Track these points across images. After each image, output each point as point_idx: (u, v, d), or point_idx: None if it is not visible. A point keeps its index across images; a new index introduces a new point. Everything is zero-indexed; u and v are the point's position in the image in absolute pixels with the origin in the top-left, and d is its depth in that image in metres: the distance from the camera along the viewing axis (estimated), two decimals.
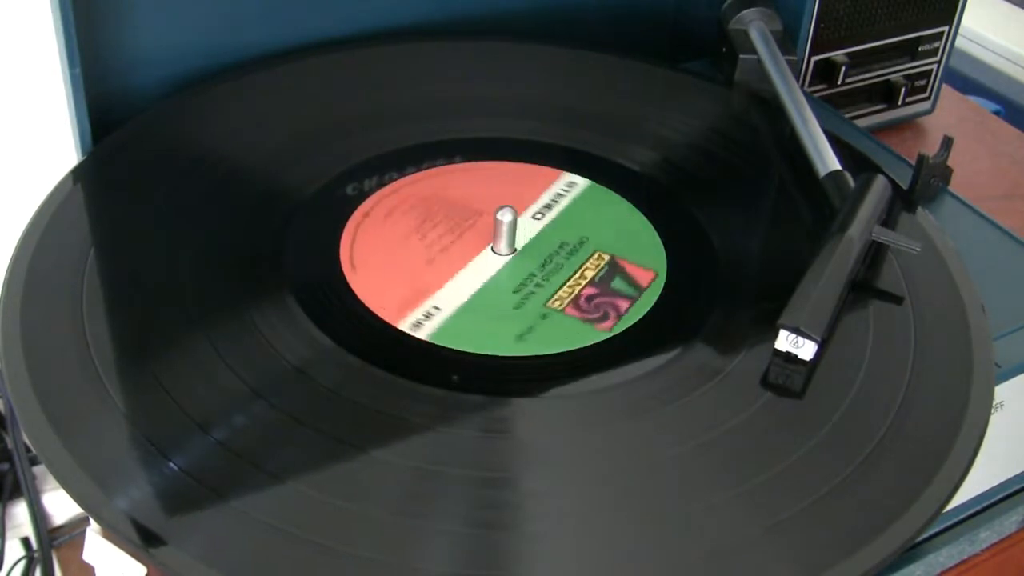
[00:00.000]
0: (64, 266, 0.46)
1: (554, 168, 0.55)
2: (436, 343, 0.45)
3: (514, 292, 0.48)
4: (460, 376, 0.43)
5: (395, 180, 0.54)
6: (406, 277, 0.48)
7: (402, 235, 0.51)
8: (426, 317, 0.46)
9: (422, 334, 0.45)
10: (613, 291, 0.48)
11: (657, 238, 0.51)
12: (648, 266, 0.49)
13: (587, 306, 0.47)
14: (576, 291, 0.48)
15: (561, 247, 0.50)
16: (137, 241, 0.49)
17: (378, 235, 0.50)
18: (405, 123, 0.57)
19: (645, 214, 0.53)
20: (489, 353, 0.45)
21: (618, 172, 0.55)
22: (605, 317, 0.47)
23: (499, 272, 0.49)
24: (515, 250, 0.50)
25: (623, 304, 0.47)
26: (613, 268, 0.49)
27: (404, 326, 0.46)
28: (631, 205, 0.53)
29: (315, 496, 0.38)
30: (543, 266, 0.49)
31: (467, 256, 0.50)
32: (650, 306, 0.47)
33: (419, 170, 0.54)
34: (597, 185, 0.54)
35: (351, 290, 0.47)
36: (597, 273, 0.49)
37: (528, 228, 0.51)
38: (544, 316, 0.47)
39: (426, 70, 0.61)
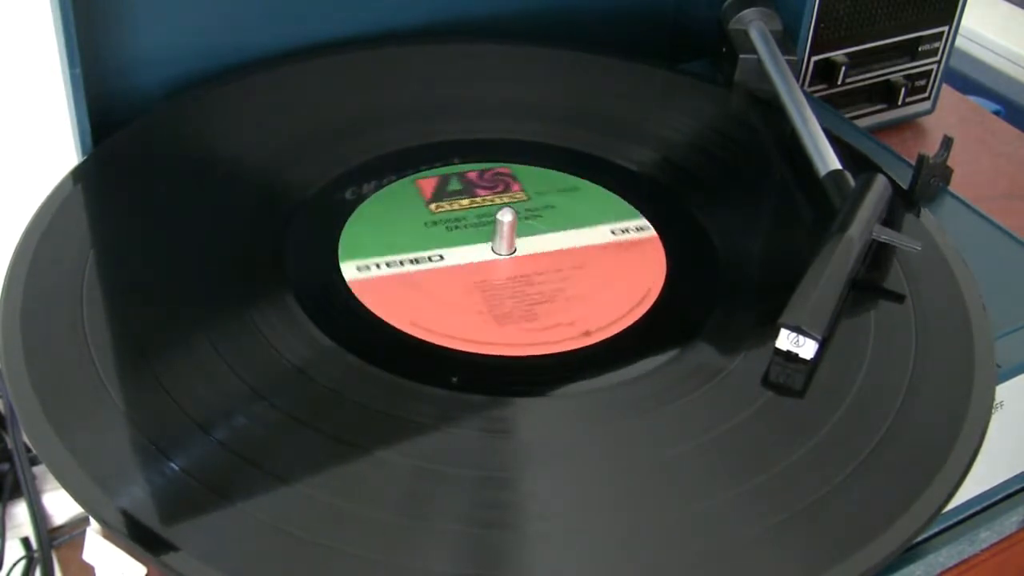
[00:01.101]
0: (64, 266, 0.46)
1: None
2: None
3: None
4: (460, 376, 0.43)
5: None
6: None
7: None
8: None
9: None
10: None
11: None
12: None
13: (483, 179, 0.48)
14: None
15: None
16: (137, 241, 0.49)
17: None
18: (405, 123, 0.57)
19: (649, 218, 0.52)
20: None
21: (618, 172, 0.55)
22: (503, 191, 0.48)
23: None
24: (515, 250, 0.50)
25: (515, 185, 0.48)
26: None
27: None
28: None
29: (315, 496, 0.38)
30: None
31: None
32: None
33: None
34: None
35: (351, 290, 0.47)
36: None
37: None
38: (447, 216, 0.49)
39: (426, 71, 0.61)
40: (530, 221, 0.51)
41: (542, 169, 0.54)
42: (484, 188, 0.52)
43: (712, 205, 0.54)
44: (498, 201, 0.51)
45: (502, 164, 0.53)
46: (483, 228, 0.50)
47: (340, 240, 0.48)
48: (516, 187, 0.51)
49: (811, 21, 0.65)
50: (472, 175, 0.51)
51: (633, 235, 0.51)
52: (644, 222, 0.51)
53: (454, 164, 0.51)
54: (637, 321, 0.47)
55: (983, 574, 0.53)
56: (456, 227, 0.50)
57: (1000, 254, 0.54)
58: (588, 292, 0.48)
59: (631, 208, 0.52)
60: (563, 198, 0.53)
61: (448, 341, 0.45)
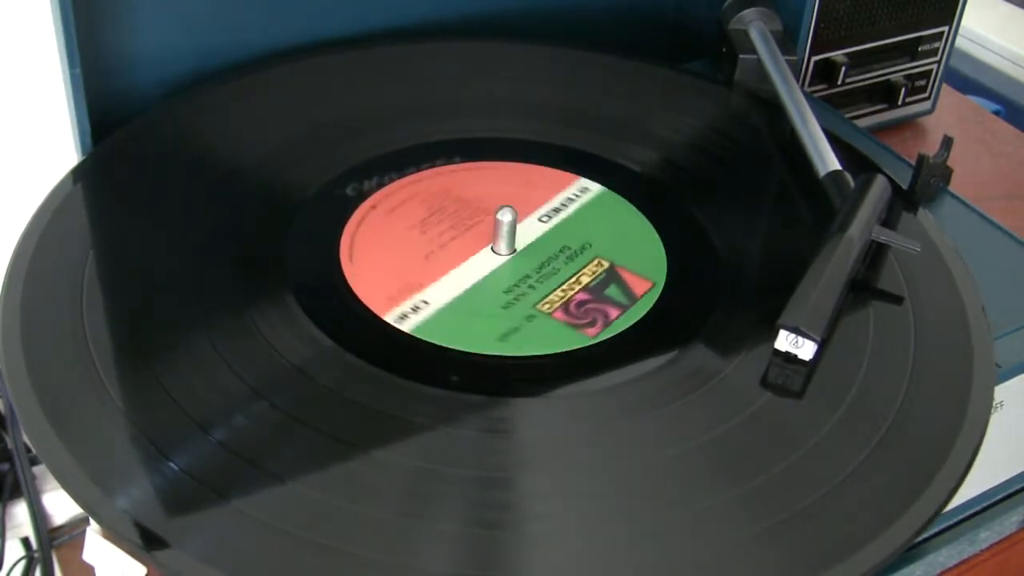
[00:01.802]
0: (64, 266, 0.46)
1: (569, 172, 0.55)
2: (418, 336, 0.45)
3: (505, 292, 0.48)
4: (460, 376, 0.43)
5: (404, 177, 0.54)
6: (400, 270, 0.48)
7: (404, 229, 0.51)
8: (413, 311, 0.46)
9: (406, 327, 0.45)
10: (606, 298, 0.48)
11: (661, 247, 0.51)
12: (647, 276, 0.49)
13: (576, 311, 0.47)
14: (568, 296, 0.48)
15: (562, 251, 0.50)
16: (137, 241, 0.49)
17: (381, 228, 0.51)
18: (405, 123, 0.57)
19: (649, 218, 0.52)
20: (468, 350, 0.45)
21: (618, 172, 0.55)
22: (592, 324, 0.46)
23: (494, 271, 0.49)
24: (515, 251, 0.50)
25: (613, 312, 0.47)
26: (610, 276, 0.49)
27: (390, 318, 0.46)
28: (640, 213, 0.53)
29: (315, 496, 0.38)
30: (540, 268, 0.49)
31: (465, 254, 0.50)
32: (648, 309, 0.47)
33: (431, 167, 0.54)
34: (609, 191, 0.54)
35: (351, 290, 0.47)
36: (593, 279, 0.48)
37: (533, 230, 0.51)
38: (530, 318, 0.46)
39: (426, 70, 0.61)
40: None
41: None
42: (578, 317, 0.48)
43: (712, 205, 0.54)
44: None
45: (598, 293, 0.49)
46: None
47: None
48: (614, 313, 0.47)
49: (811, 21, 0.65)
50: (558, 315, 0.46)
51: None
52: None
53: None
54: (637, 321, 0.47)
55: (983, 574, 0.53)
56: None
57: (1000, 254, 0.54)
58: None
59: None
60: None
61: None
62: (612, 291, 0.48)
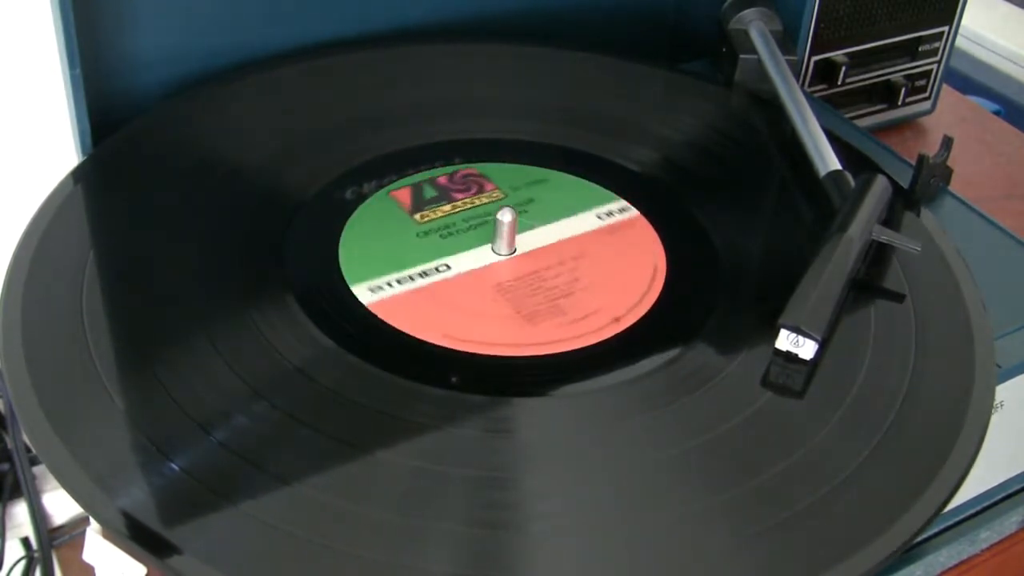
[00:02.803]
0: (64, 266, 0.46)
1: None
2: (371, 310, 0.46)
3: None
4: (460, 376, 0.43)
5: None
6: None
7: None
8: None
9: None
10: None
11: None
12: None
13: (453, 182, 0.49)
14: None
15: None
16: (137, 242, 0.49)
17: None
18: (405, 124, 0.57)
19: (650, 219, 0.52)
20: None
21: (618, 172, 0.55)
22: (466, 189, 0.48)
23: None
24: (515, 251, 0.50)
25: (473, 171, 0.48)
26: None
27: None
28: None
29: (315, 496, 0.38)
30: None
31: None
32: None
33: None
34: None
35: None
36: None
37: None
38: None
39: (426, 71, 0.61)
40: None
41: (508, 165, 0.55)
42: (459, 191, 0.52)
43: (712, 205, 0.54)
44: (478, 202, 0.52)
45: (466, 165, 0.53)
46: (476, 231, 0.50)
47: (341, 261, 0.48)
48: (490, 186, 0.51)
49: (811, 21, 0.65)
50: (443, 180, 0.51)
51: (618, 217, 0.52)
52: (624, 203, 0.52)
53: (422, 171, 0.52)
54: (637, 321, 0.47)
55: (983, 574, 0.53)
56: (449, 234, 0.50)
57: (1000, 254, 0.54)
58: (599, 279, 0.48)
59: (607, 192, 0.53)
60: (539, 190, 0.53)
61: (487, 348, 0.45)
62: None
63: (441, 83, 0.60)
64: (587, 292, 0.48)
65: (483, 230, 0.50)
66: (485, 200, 0.52)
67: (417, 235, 0.50)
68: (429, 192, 0.52)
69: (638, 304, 0.47)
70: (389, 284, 0.47)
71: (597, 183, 0.54)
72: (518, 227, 0.49)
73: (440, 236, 0.50)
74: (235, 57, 0.60)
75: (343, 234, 0.49)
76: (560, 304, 0.47)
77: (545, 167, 0.55)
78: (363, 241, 0.49)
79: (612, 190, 0.54)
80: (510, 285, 0.48)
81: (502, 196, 0.52)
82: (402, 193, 0.49)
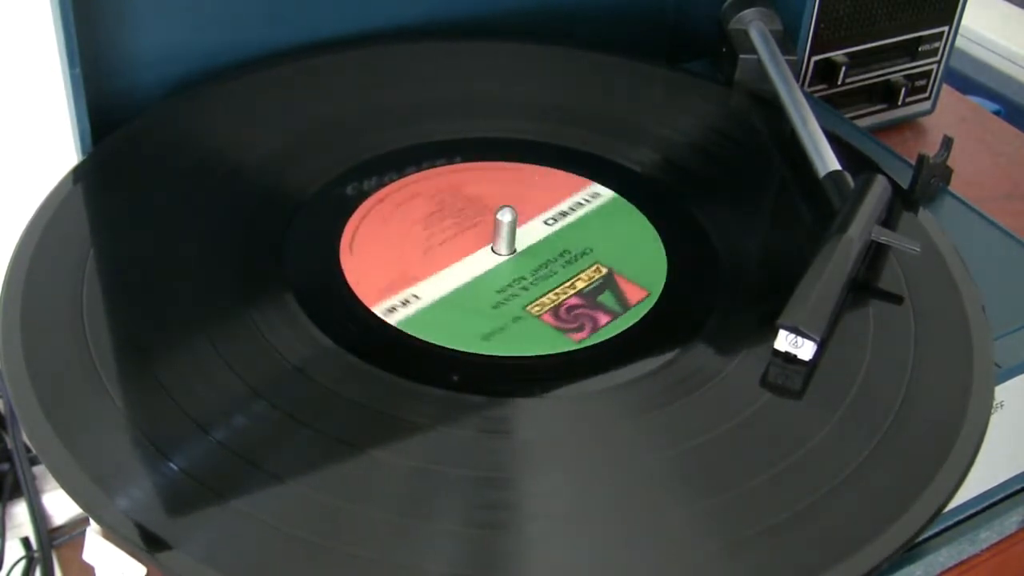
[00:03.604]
0: (64, 266, 0.46)
1: (582, 176, 0.55)
2: (404, 331, 0.45)
3: (498, 292, 0.48)
4: (460, 376, 0.43)
5: (412, 174, 0.54)
6: (397, 264, 0.48)
7: (407, 224, 0.51)
8: (403, 304, 0.46)
9: (393, 320, 0.45)
10: (598, 304, 0.47)
11: (664, 256, 0.50)
12: (643, 284, 0.49)
13: (566, 316, 0.46)
14: (560, 299, 0.47)
15: (562, 254, 0.50)
16: (137, 241, 0.49)
17: (385, 222, 0.51)
18: (405, 123, 0.57)
19: (650, 219, 0.52)
20: (449, 347, 0.45)
21: (618, 172, 0.55)
22: (580, 329, 0.46)
23: (490, 271, 0.49)
24: (515, 251, 0.50)
25: (603, 319, 0.46)
26: (607, 282, 0.48)
27: (379, 310, 0.46)
28: (648, 222, 0.52)
29: (315, 496, 0.38)
30: (536, 271, 0.49)
31: (464, 251, 0.50)
32: (650, 306, 0.47)
33: (431, 167, 0.54)
34: (621, 198, 0.54)
35: (351, 290, 0.47)
36: (589, 285, 0.48)
37: (537, 232, 0.51)
38: (517, 319, 0.46)
39: (426, 70, 0.61)
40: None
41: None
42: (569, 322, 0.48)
43: (712, 205, 0.54)
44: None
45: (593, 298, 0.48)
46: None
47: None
48: (604, 320, 0.47)
49: (811, 21, 0.65)
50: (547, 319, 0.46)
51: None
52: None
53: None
54: (637, 321, 0.47)
55: (983, 574, 0.53)
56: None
57: (1000, 254, 0.54)
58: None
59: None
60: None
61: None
62: (606, 297, 0.48)
63: (441, 83, 0.60)
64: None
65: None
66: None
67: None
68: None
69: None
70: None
71: (597, 183, 0.54)
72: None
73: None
74: (235, 57, 0.60)
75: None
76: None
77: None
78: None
79: (612, 190, 0.54)
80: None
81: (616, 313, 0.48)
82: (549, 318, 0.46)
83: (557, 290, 0.48)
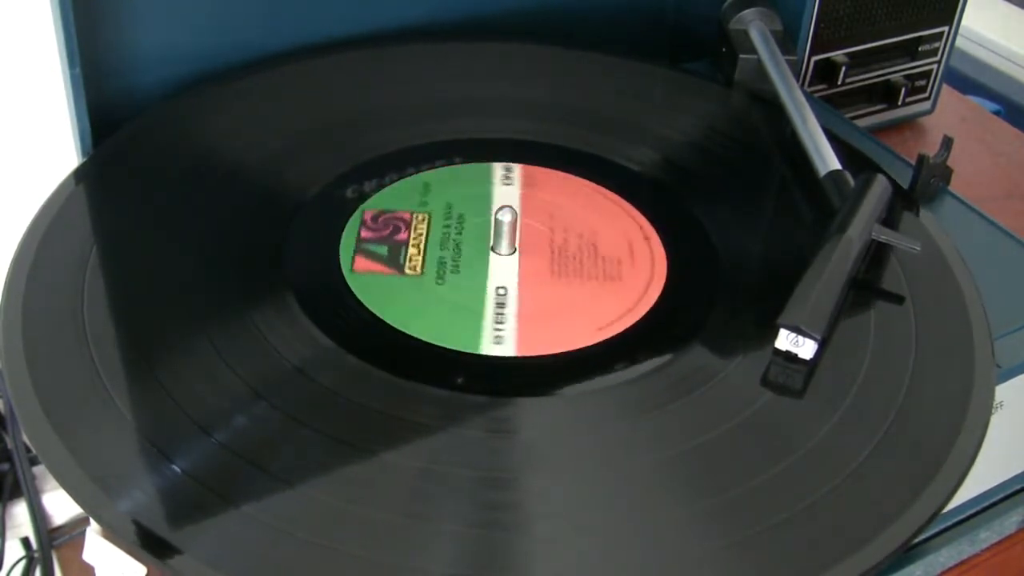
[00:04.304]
0: (65, 267, 0.46)
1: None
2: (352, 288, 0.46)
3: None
4: (460, 376, 0.43)
5: (412, 174, 0.54)
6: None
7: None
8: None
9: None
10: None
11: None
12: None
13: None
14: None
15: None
16: (138, 242, 0.49)
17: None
18: (405, 123, 0.57)
19: (650, 219, 0.52)
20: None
21: (618, 172, 0.55)
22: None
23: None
24: (515, 251, 0.50)
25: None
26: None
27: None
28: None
29: (316, 496, 0.38)
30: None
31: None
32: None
33: (431, 167, 0.54)
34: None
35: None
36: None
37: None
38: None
39: (426, 70, 0.61)
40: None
41: (391, 188, 0.53)
42: (387, 233, 0.49)
43: (712, 205, 0.54)
44: (422, 230, 0.50)
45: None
46: (469, 245, 0.50)
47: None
48: (407, 215, 0.49)
49: (811, 21, 0.65)
50: (365, 234, 0.48)
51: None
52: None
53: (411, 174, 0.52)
54: (637, 321, 0.47)
55: (983, 574, 0.53)
56: (453, 264, 0.49)
57: (1000, 254, 0.54)
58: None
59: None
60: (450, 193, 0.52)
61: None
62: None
63: (441, 83, 0.60)
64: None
65: (471, 242, 0.50)
66: (412, 235, 0.50)
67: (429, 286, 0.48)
68: (376, 251, 0.49)
69: (638, 304, 0.47)
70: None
71: (597, 183, 0.54)
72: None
73: (447, 271, 0.48)
74: (235, 57, 0.60)
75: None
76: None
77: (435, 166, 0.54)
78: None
79: (612, 190, 0.54)
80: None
81: (434, 228, 0.50)
82: (361, 264, 0.47)
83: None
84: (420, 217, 0.50)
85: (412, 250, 0.48)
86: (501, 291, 0.47)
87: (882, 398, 0.43)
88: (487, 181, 0.54)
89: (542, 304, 0.47)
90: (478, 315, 0.46)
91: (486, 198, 0.52)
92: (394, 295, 0.46)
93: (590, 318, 0.46)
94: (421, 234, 0.49)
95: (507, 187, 0.53)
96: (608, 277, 0.49)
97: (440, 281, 0.47)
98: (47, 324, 0.44)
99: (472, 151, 0.56)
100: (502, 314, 0.46)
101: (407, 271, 0.47)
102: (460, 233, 0.50)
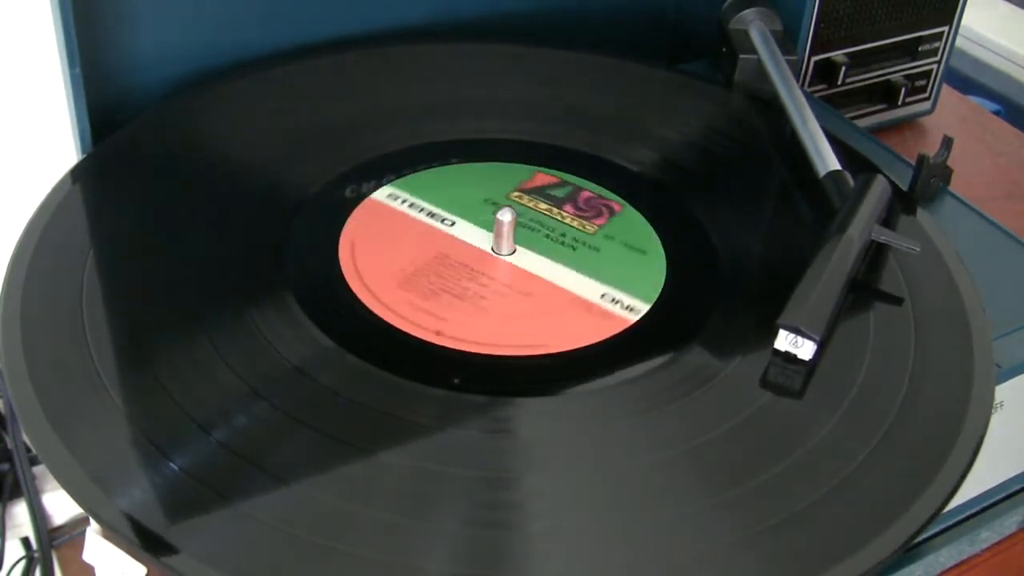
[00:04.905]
0: (64, 266, 0.46)
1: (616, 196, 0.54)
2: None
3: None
4: (460, 376, 0.43)
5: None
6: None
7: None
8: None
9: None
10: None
11: (664, 257, 0.50)
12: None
13: (585, 206, 0.49)
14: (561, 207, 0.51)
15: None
16: (137, 241, 0.49)
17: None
18: (405, 123, 0.57)
19: (650, 219, 0.52)
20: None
21: (618, 172, 0.55)
22: (599, 215, 0.48)
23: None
24: (515, 250, 0.50)
25: (616, 207, 0.48)
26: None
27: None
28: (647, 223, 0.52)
29: (315, 496, 0.38)
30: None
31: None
32: (651, 305, 0.47)
33: (430, 167, 0.54)
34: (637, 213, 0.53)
35: (351, 290, 0.47)
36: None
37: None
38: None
39: (426, 70, 0.61)
40: (553, 242, 0.50)
41: (646, 219, 0.52)
42: (576, 210, 0.51)
43: (712, 205, 0.54)
44: (573, 224, 0.51)
45: (616, 198, 0.52)
46: (530, 232, 0.51)
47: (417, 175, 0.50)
48: (601, 220, 0.50)
49: (811, 21, 0.65)
50: (586, 194, 0.50)
51: (614, 309, 0.47)
52: (641, 304, 0.47)
53: (581, 178, 0.52)
54: (637, 321, 0.47)
55: (983, 574, 0.53)
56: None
57: (1000, 254, 0.54)
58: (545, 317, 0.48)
59: (652, 287, 0.49)
60: (615, 250, 0.51)
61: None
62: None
63: (441, 83, 0.60)
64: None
65: (535, 236, 0.50)
66: (577, 225, 0.51)
67: (485, 201, 0.50)
68: (558, 191, 0.51)
69: (638, 304, 0.47)
70: (405, 202, 0.50)
71: (597, 183, 0.54)
72: (537, 246, 0.50)
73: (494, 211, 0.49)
74: (235, 57, 0.60)
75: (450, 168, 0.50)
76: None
77: (620, 197, 0.53)
78: (451, 178, 0.50)
79: (612, 190, 0.54)
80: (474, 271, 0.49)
81: (590, 232, 0.50)
82: (542, 177, 0.48)
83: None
84: (590, 228, 0.51)
85: (543, 206, 0.50)
86: (448, 220, 0.50)
87: (882, 398, 0.43)
88: (613, 280, 0.49)
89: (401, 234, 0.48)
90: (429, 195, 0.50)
91: (588, 267, 0.50)
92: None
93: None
94: (569, 221, 0.50)
95: (597, 297, 0.49)
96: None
97: (487, 203, 0.50)
98: (46, 323, 0.44)
99: (472, 151, 0.56)
100: (419, 208, 0.50)
101: (513, 194, 0.50)
102: None
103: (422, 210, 0.51)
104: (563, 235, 0.50)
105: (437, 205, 0.52)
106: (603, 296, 0.48)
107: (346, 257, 0.49)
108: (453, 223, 0.51)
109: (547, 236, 0.50)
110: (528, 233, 0.50)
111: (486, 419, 0.42)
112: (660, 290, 0.48)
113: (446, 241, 0.50)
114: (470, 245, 0.50)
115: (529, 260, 0.50)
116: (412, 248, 0.50)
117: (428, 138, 0.56)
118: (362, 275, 0.48)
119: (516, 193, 0.49)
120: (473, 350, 0.45)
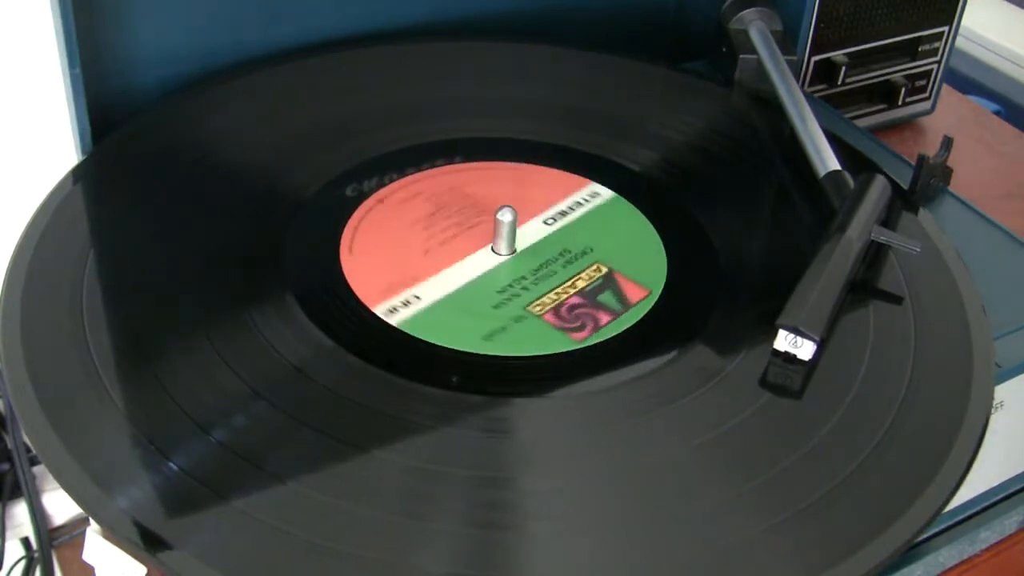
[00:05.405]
0: (64, 266, 0.46)
1: (581, 176, 0.55)
2: (405, 331, 0.45)
3: (499, 292, 0.48)
4: (460, 376, 0.43)
5: (412, 174, 0.54)
6: (397, 264, 0.48)
7: (408, 224, 0.51)
8: (404, 305, 0.46)
9: (394, 320, 0.46)
10: (598, 304, 0.47)
11: (664, 255, 0.50)
12: (644, 283, 0.49)
13: (567, 315, 0.46)
14: (561, 299, 0.47)
15: (562, 254, 0.50)
16: (137, 241, 0.49)
17: (385, 222, 0.51)
18: (405, 123, 0.57)
19: (650, 219, 0.52)
20: (451, 347, 0.45)
21: (618, 172, 0.55)
22: (581, 328, 0.46)
23: (490, 271, 0.49)
24: (515, 251, 0.50)
25: (604, 318, 0.46)
26: (607, 281, 0.48)
27: (379, 311, 0.46)
28: (648, 221, 0.52)
29: (315, 496, 0.38)
30: (537, 270, 0.49)
31: (465, 252, 0.50)
32: (650, 306, 0.47)
33: (431, 167, 0.54)
34: (620, 197, 0.53)
35: (351, 290, 0.47)
36: (589, 284, 0.48)
37: (536, 232, 0.51)
38: (519, 319, 0.46)
39: (427, 70, 0.61)
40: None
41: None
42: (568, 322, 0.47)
43: (712, 205, 0.54)
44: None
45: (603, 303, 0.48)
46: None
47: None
48: (605, 319, 0.47)
49: (811, 21, 0.65)
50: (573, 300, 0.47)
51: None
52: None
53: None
54: (637, 321, 0.47)
55: (983, 574, 0.53)
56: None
57: (1000, 254, 0.54)
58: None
59: (652, 286, 0.49)
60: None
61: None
62: (606, 297, 0.48)
63: (441, 82, 0.60)
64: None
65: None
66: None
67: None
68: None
69: (639, 303, 0.47)
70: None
71: (597, 183, 0.54)
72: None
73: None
74: (234, 57, 0.60)
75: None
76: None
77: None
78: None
79: (612, 189, 0.54)
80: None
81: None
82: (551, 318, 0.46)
83: (558, 289, 0.48)
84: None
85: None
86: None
87: (882, 398, 0.43)
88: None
89: None
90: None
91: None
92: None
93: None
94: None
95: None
96: None
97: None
98: (47, 323, 0.44)
99: (472, 151, 0.56)
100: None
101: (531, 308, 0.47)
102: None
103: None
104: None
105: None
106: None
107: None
108: None
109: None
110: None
111: (485, 419, 0.42)
112: (660, 289, 0.48)
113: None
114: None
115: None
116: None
117: (428, 138, 0.56)
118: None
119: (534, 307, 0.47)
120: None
